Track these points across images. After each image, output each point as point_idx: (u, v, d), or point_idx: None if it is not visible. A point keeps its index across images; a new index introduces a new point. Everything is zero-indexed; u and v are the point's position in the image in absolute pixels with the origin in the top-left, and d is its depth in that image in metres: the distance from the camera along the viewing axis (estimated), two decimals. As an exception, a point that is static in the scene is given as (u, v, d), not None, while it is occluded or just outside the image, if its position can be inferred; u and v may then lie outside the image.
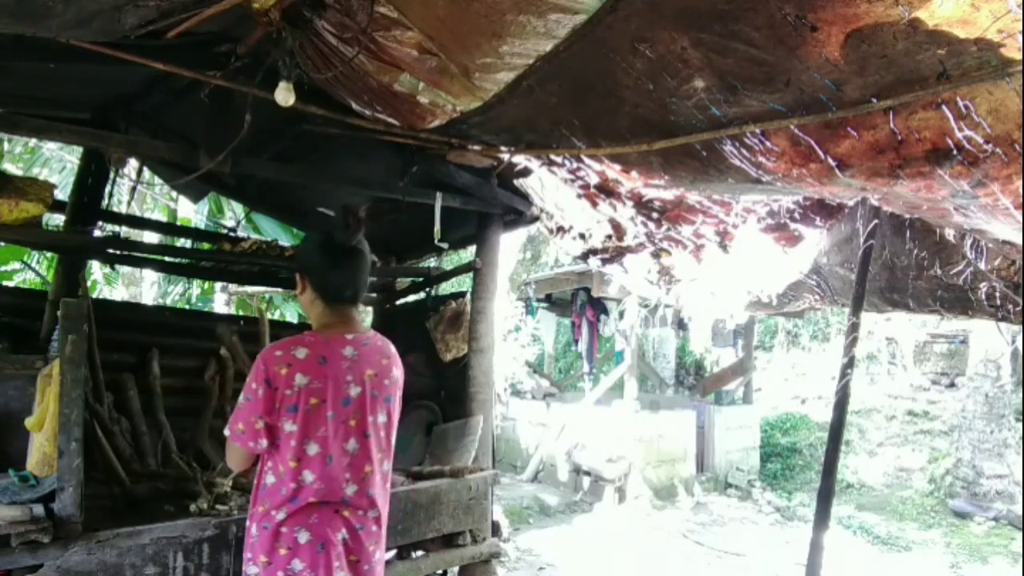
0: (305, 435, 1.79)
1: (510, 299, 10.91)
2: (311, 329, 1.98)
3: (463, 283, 7.46)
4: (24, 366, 2.69)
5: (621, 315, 9.59)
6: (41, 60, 2.33)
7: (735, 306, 3.72)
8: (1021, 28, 1.03)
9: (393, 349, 2.05)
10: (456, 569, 3.14)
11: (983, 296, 2.41)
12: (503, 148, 2.72)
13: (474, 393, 3.41)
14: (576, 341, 11.03)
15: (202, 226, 7.42)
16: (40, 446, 2.35)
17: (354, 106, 2.56)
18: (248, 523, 1.87)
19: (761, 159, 1.69)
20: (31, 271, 7.39)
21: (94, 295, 7.19)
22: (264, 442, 1.79)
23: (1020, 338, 8.53)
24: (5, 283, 6.99)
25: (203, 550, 2.32)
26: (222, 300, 8.17)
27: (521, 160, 2.87)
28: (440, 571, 3.13)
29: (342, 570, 1.82)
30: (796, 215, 2.57)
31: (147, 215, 7.94)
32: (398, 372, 2.02)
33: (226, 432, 1.85)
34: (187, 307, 8.05)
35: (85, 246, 3.33)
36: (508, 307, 10.62)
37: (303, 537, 1.78)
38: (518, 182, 3.37)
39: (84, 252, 3.53)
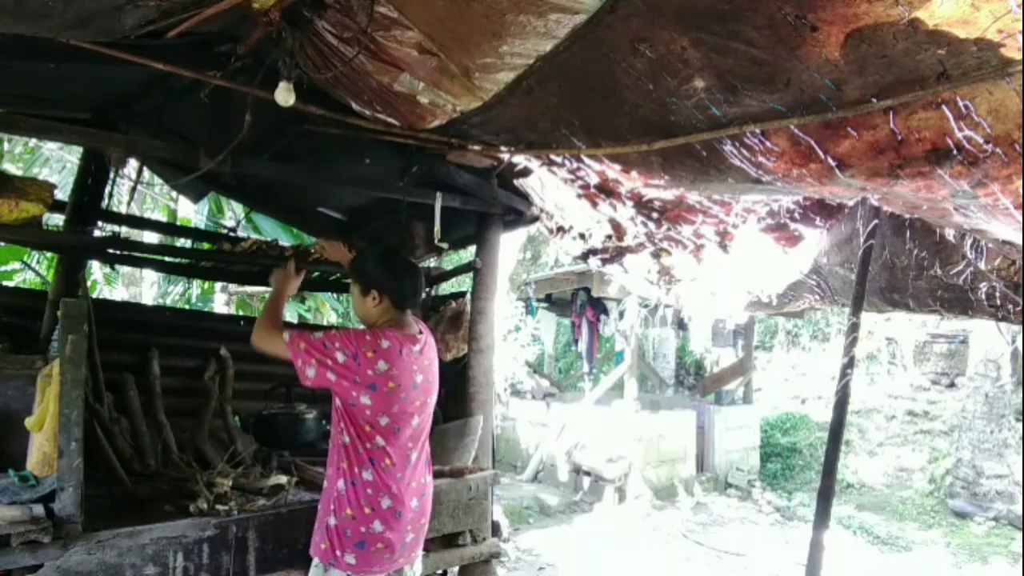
0: (380, 409, 2.13)
1: (510, 299, 10.91)
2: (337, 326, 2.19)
3: (463, 283, 7.45)
4: (24, 366, 2.69)
5: (621, 315, 9.58)
6: (41, 60, 2.33)
7: (735, 306, 3.72)
8: (1021, 28, 1.03)
9: (432, 339, 2.44)
10: (456, 569, 3.14)
11: (983, 296, 2.41)
12: (503, 148, 2.72)
13: (474, 393, 3.40)
14: (576, 341, 11.02)
15: (202, 226, 7.42)
16: (40, 446, 2.35)
17: (354, 106, 2.56)
18: (331, 481, 2.19)
19: (761, 159, 1.69)
20: (31, 271, 7.39)
21: (94, 295, 7.18)
22: (311, 373, 2.06)
23: (1020, 338, 8.53)
24: (5, 283, 6.99)
25: (203, 550, 2.32)
26: (222, 300, 8.17)
27: (521, 160, 2.87)
28: (440, 571, 3.13)
29: (412, 532, 2.23)
30: (796, 215, 2.57)
31: (147, 215, 7.94)
32: (437, 359, 2.43)
33: (285, 336, 2.12)
34: (187, 307, 8.05)
35: (85, 246, 3.33)
36: (508, 307, 10.62)
37: (385, 502, 2.13)
38: (518, 182, 3.37)
39: (84, 252, 3.54)
